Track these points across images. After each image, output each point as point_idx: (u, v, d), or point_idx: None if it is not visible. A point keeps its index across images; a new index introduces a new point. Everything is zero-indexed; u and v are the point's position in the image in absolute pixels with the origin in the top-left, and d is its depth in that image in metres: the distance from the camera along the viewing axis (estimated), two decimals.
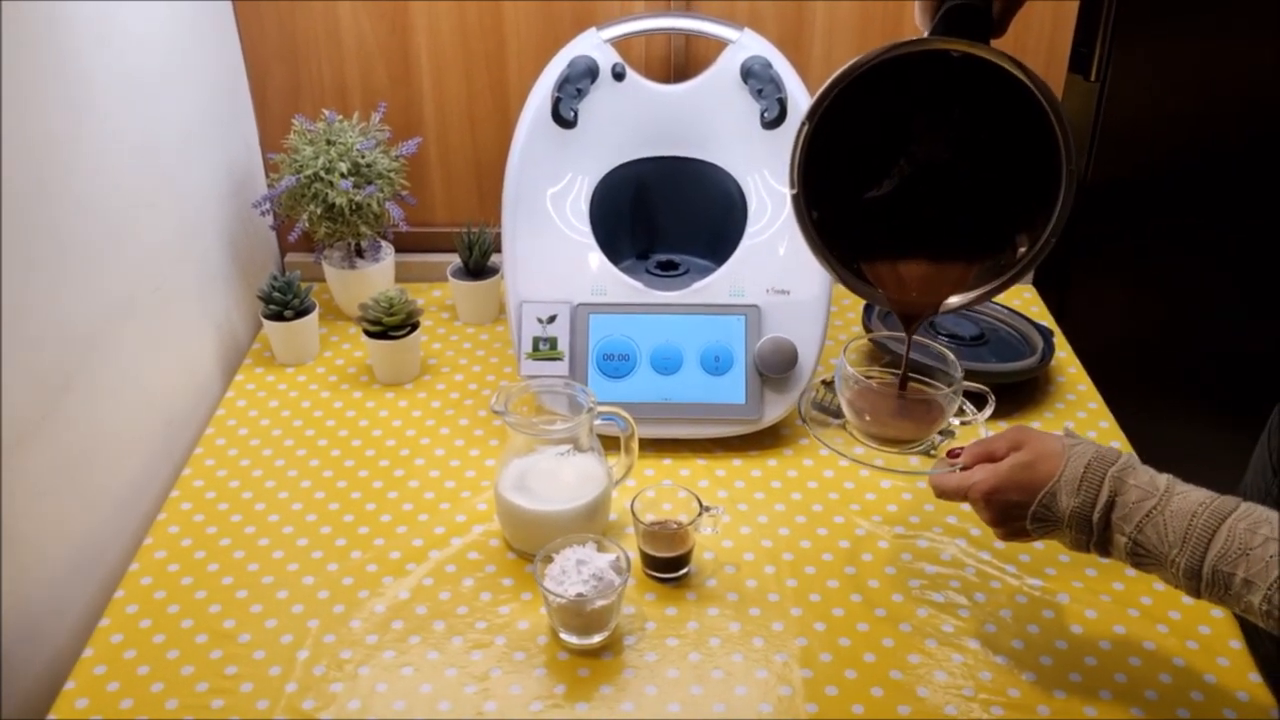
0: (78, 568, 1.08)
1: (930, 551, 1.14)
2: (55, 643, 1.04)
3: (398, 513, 1.20)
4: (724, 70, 1.31)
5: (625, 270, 1.31)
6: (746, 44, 1.31)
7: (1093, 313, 1.81)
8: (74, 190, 1.07)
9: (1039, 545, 1.14)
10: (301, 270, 1.49)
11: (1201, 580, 0.81)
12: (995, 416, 1.34)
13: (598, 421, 1.13)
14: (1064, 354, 1.45)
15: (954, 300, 0.95)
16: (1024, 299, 1.60)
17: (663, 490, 1.14)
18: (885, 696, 0.98)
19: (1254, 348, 1.84)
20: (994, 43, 0.87)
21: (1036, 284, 1.64)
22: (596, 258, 1.29)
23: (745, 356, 1.26)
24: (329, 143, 1.42)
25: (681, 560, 1.10)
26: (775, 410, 1.27)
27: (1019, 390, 1.37)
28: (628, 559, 1.04)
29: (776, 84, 1.27)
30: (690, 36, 1.49)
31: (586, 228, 1.30)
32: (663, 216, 1.39)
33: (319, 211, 1.41)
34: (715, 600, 1.08)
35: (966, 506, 0.97)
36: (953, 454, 0.98)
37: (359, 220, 1.43)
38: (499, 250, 1.35)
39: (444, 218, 1.63)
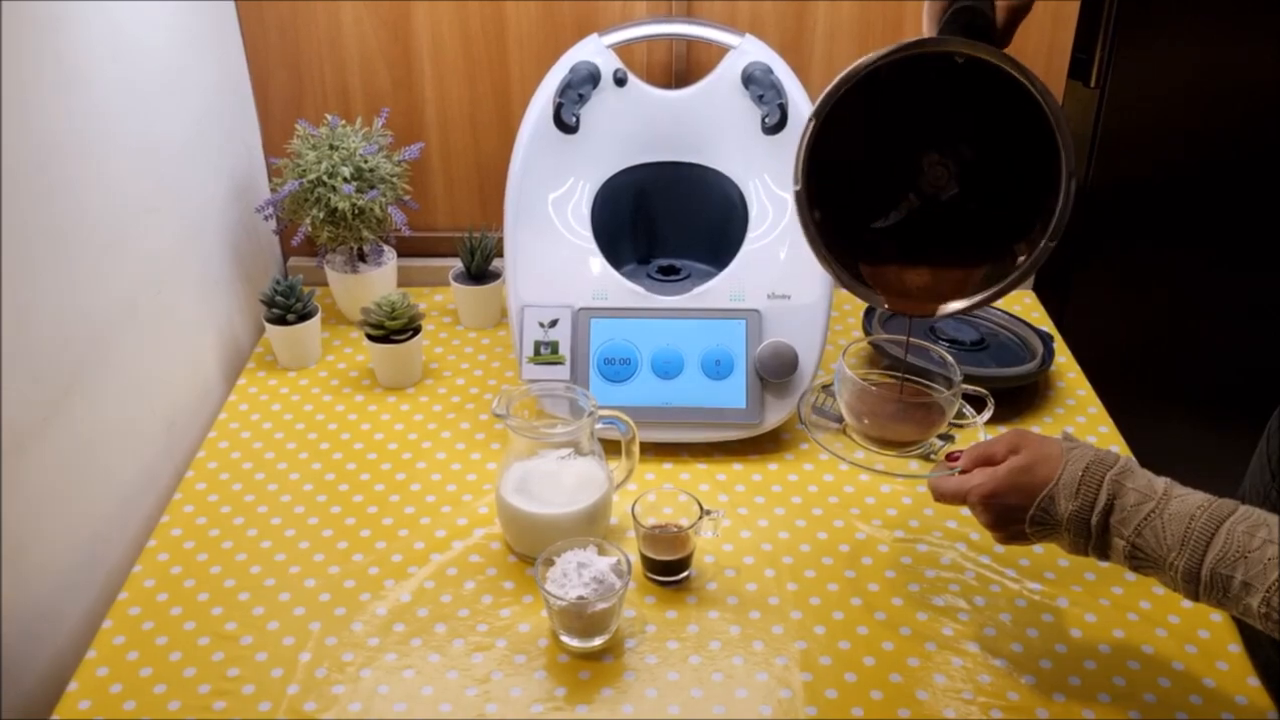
0: (80, 569, 1.09)
1: (930, 555, 1.15)
2: (58, 644, 1.04)
3: (399, 516, 1.20)
4: (725, 76, 1.31)
5: (626, 275, 1.31)
6: (747, 49, 1.32)
7: (1092, 318, 1.82)
8: (78, 194, 1.08)
9: (1038, 549, 1.14)
10: (304, 274, 1.50)
11: (1200, 583, 0.82)
12: (994, 421, 1.34)
13: (599, 425, 1.14)
14: (1064, 359, 1.45)
15: (953, 306, 0.95)
16: (1024, 304, 1.60)
17: (663, 494, 1.15)
18: (885, 699, 0.98)
19: (1253, 353, 1.84)
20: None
21: (1036, 289, 1.65)
22: (598, 262, 1.30)
23: (746, 361, 1.26)
24: (332, 147, 1.42)
25: (682, 564, 1.11)
26: (776, 415, 1.27)
27: (1019, 395, 1.38)
28: (628, 562, 1.04)
29: (777, 89, 1.28)
30: (691, 42, 1.50)
31: (588, 232, 1.31)
32: (664, 221, 1.40)
33: (321, 216, 1.42)
34: (715, 604, 1.09)
35: (965, 511, 0.97)
36: (951, 457, 0.98)
37: (361, 224, 1.44)
38: (500, 255, 1.35)
39: (446, 222, 1.64)
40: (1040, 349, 1.41)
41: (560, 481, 1.13)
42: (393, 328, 1.38)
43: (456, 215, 1.63)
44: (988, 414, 1.04)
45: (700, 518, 1.11)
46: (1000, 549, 1.15)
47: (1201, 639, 1.04)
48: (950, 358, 1.04)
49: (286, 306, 1.41)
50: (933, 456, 1.04)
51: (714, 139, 1.33)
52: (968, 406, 1.04)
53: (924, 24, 0.93)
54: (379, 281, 1.52)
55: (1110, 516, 0.85)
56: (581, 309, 1.28)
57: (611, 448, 1.17)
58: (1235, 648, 1.03)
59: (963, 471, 0.95)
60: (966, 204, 0.95)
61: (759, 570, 1.13)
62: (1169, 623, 1.06)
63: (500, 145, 1.56)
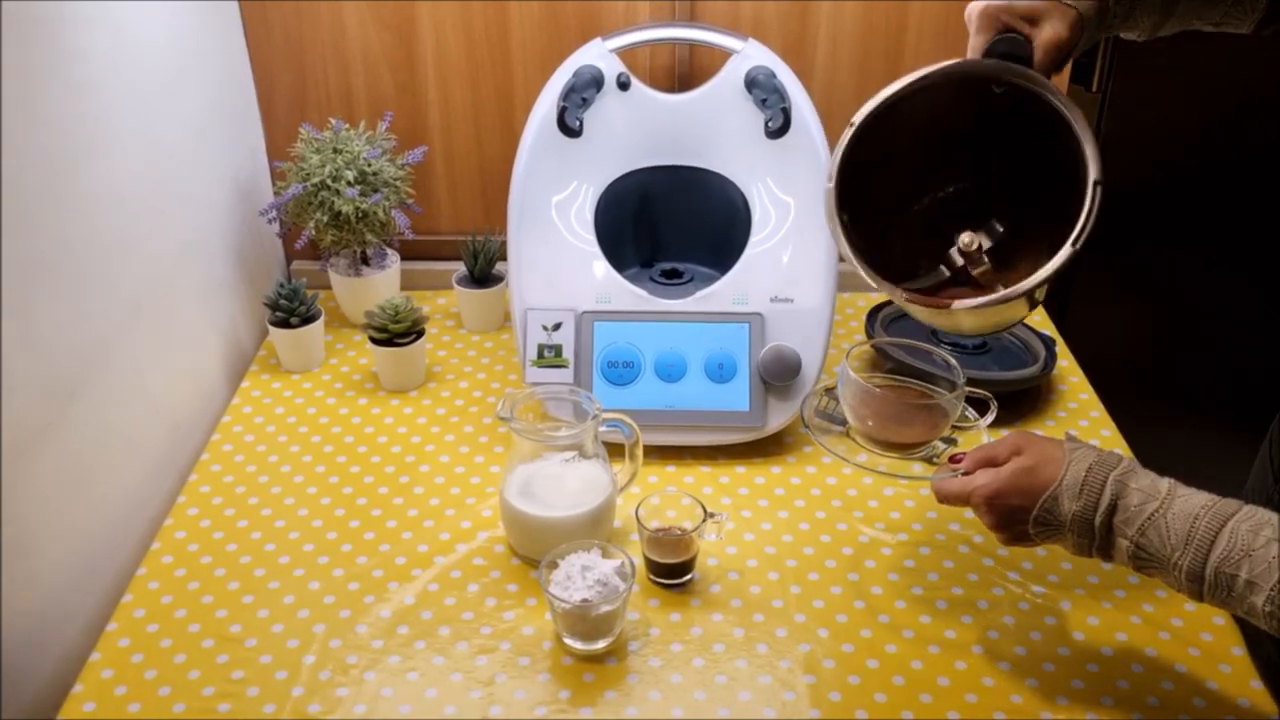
0: (85, 572, 1.09)
1: (933, 558, 1.15)
2: (63, 646, 1.04)
3: (403, 519, 1.20)
4: (728, 80, 1.32)
5: (630, 278, 1.31)
6: (750, 54, 1.32)
7: (1095, 322, 1.82)
8: (81, 197, 1.08)
9: (1041, 552, 1.15)
10: (308, 278, 1.50)
11: (1204, 582, 0.82)
12: (997, 424, 1.34)
13: (602, 428, 1.14)
14: (1066, 363, 1.46)
15: (968, 303, 0.95)
16: None
17: (667, 497, 1.15)
18: (888, 702, 0.98)
19: (1255, 357, 1.84)
20: None
21: None
22: (601, 266, 1.30)
23: (749, 364, 1.27)
24: (335, 151, 1.43)
25: (685, 566, 1.11)
26: (779, 418, 1.28)
27: (1021, 398, 1.38)
28: (632, 565, 1.04)
29: (780, 93, 1.28)
30: (694, 46, 1.50)
31: (591, 236, 1.31)
32: (667, 225, 1.40)
33: (325, 219, 1.42)
34: (719, 606, 1.09)
35: (969, 513, 0.97)
36: (955, 459, 0.98)
37: (365, 228, 1.44)
38: (504, 258, 1.36)
39: (449, 226, 1.64)
40: (1042, 352, 1.41)
41: (564, 484, 1.13)
42: (396, 331, 1.38)
43: (460, 219, 1.64)
44: (991, 416, 1.04)
45: (704, 521, 1.11)
46: (1004, 551, 1.15)
47: (1205, 642, 1.04)
48: (954, 360, 1.04)
49: (290, 309, 1.41)
50: (935, 460, 1.04)
51: (717, 143, 1.34)
52: (970, 409, 1.05)
53: (969, 54, 0.97)
54: (382, 285, 1.52)
55: (1114, 517, 0.85)
56: (585, 312, 1.28)
57: (615, 451, 1.17)
58: (1239, 650, 1.04)
59: (965, 473, 0.95)
60: (991, 197, 0.97)
61: (762, 573, 1.13)
62: (1172, 625, 1.06)
63: (503, 149, 1.56)
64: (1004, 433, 1.33)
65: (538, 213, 1.31)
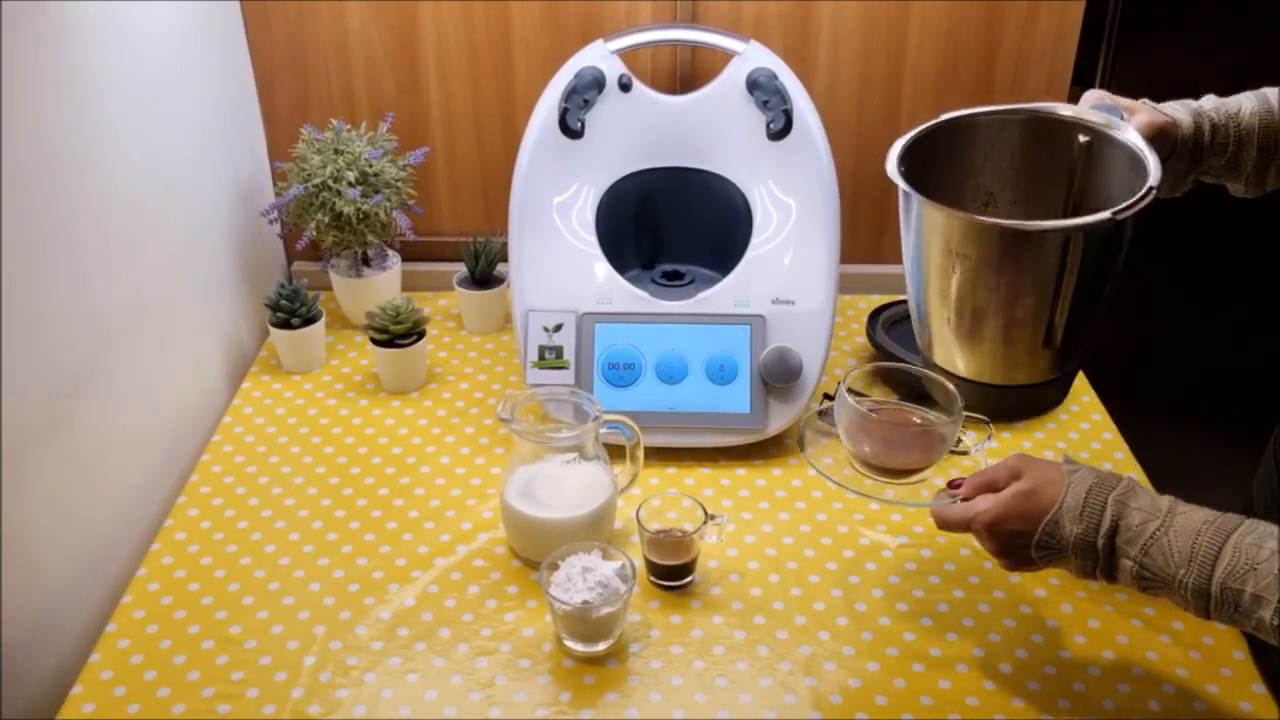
0: (85, 573, 1.09)
1: (934, 561, 1.15)
2: (62, 647, 1.04)
3: (403, 520, 1.20)
4: (730, 81, 1.32)
5: (631, 280, 1.31)
6: (752, 55, 1.32)
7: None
8: (84, 197, 1.08)
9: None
10: (308, 279, 1.50)
11: (1211, 599, 0.81)
12: (998, 425, 1.34)
13: (603, 430, 1.14)
14: None
15: (1045, 224, 1.03)
16: None
17: (667, 498, 1.15)
18: (889, 704, 0.98)
19: (1259, 364, 1.84)
20: None
21: None
22: (602, 267, 1.30)
23: (750, 366, 1.26)
24: (337, 152, 1.43)
25: (686, 568, 1.11)
26: (780, 420, 1.28)
27: (1023, 403, 1.38)
28: (633, 567, 1.04)
29: (782, 95, 1.28)
30: (696, 48, 1.50)
31: (593, 237, 1.31)
32: (668, 226, 1.40)
33: (326, 220, 1.42)
34: (720, 608, 1.09)
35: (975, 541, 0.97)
36: (954, 484, 0.97)
37: (366, 229, 1.44)
38: (505, 259, 1.35)
39: (450, 227, 1.64)
40: None
41: (564, 486, 1.13)
42: (397, 332, 1.38)
43: (461, 220, 1.63)
44: (989, 441, 1.04)
45: (704, 522, 1.11)
46: (1015, 579, 1.15)
47: (1206, 645, 1.04)
48: (951, 386, 1.03)
49: (291, 310, 1.41)
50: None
51: (719, 144, 1.34)
52: (970, 432, 1.04)
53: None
54: (383, 286, 1.52)
55: (1116, 537, 0.85)
56: (586, 314, 1.28)
57: (615, 452, 1.17)
58: (1239, 654, 1.03)
59: (965, 499, 0.94)
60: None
61: (763, 575, 1.13)
62: (1172, 629, 1.06)
63: (505, 150, 1.56)
64: (1006, 436, 1.33)
65: (539, 214, 1.31)
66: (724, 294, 1.29)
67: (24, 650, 0.98)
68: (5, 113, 0.93)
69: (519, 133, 1.34)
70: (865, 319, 1.48)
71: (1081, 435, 1.34)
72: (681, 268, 1.39)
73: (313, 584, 1.11)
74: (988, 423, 1.05)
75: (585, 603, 1.00)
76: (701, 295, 1.29)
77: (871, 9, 1.47)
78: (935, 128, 1.13)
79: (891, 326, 1.47)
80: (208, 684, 1.00)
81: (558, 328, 1.28)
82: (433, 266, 1.62)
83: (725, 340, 1.27)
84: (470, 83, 1.54)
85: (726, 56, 1.33)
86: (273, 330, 1.43)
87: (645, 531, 1.10)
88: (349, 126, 1.47)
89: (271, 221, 1.48)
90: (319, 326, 1.44)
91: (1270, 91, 1.10)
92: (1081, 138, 1.05)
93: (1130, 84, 1.69)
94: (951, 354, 1.10)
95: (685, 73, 1.53)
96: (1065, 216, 1.07)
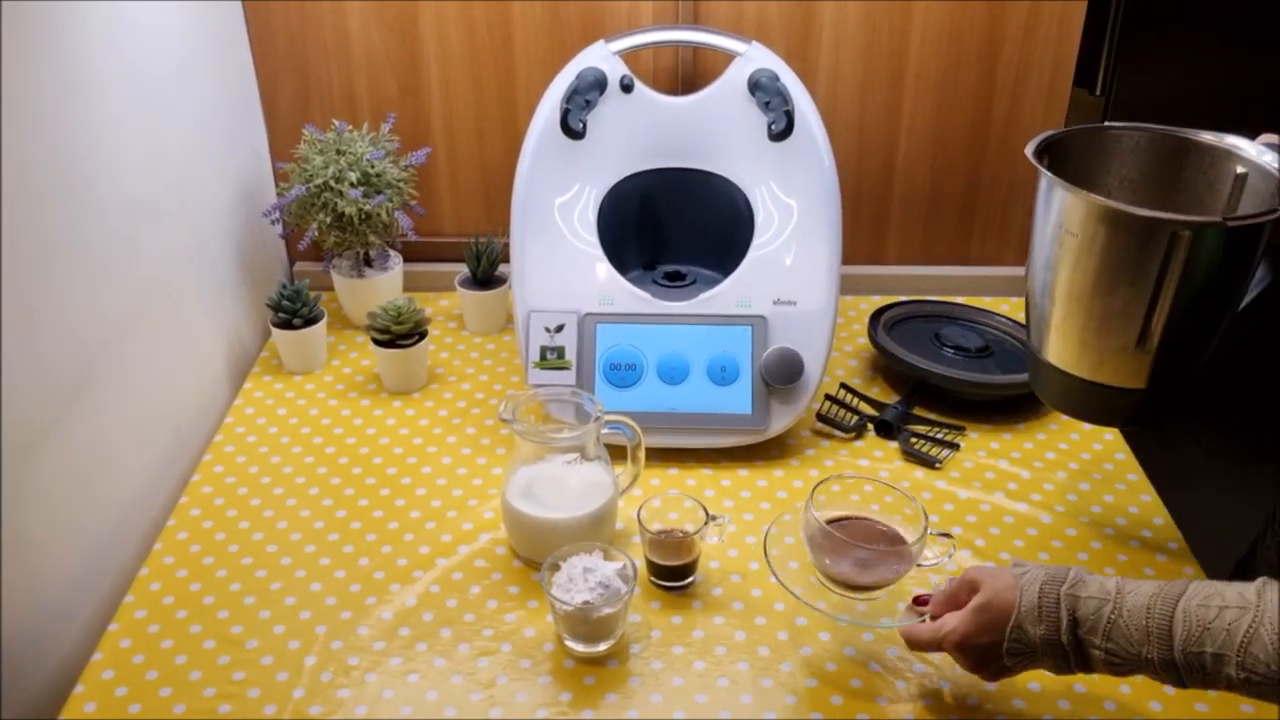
0: (87, 572, 1.09)
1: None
2: (64, 647, 1.04)
3: (405, 520, 1.20)
4: (731, 82, 1.32)
5: (632, 280, 1.31)
6: (754, 56, 1.32)
7: None
8: (86, 198, 1.08)
9: (1044, 555, 1.14)
10: (310, 279, 1.50)
11: (1179, 669, 0.81)
12: (1000, 427, 1.34)
13: (605, 430, 1.14)
14: None
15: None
16: None
17: (669, 499, 1.15)
18: (890, 705, 0.98)
19: (1261, 358, 1.84)
20: None
21: None
22: (604, 268, 1.30)
23: (751, 367, 1.26)
24: (339, 152, 1.43)
25: (687, 569, 1.11)
26: (781, 421, 1.28)
27: (1024, 403, 1.38)
28: (634, 567, 1.04)
29: (784, 96, 1.28)
30: (698, 49, 1.50)
31: (594, 238, 1.31)
32: (670, 227, 1.40)
33: (328, 220, 1.42)
34: (721, 609, 1.09)
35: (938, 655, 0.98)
36: (920, 600, 0.99)
37: (368, 229, 1.44)
38: (506, 260, 1.36)
39: (452, 228, 1.64)
40: None
41: (566, 486, 1.13)
42: (399, 332, 1.38)
43: (462, 221, 1.64)
44: (954, 552, 1.04)
45: (706, 523, 1.11)
46: (1005, 555, 1.15)
47: None
48: (918, 501, 1.04)
49: (293, 311, 1.41)
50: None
51: (720, 145, 1.34)
52: (937, 542, 1.05)
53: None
54: (385, 286, 1.52)
55: (1078, 630, 0.85)
56: (587, 314, 1.28)
57: (617, 453, 1.17)
58: None
59: (933, 617, 0.95)
60: None
61: (764, 576, 1.13)
62: None
63: (506, 151, 1.56)
64: (1007, 437, 1.33)
65: (541, 215, 1.31)
66: (725, 295, 1.29)
67: (26, 649, 0.98)
68: (8, 112, 0.93)
69: (520, 133, 1.34)
70: (866, 320, 1.48)
71: (1083, 436, 1.34)
72: (683, 268, 1.40)
73: (314, 584, 1.11)
74: (950, 536, 1.06)
75: (586, 603, 1.00)
76: (703, 296, 1.29)
77: (873, 10, 1.48)
78: (1077, 131, 1.13)
79: (893, 327, 1.47)
80: (209, 684, 1.00)
81: (559, 328, 1.28)
82: (434, 267, 1.62)
83: (726, 341, 1.27)
84: (472, 83, 1.54)
85: (728, 57, 1.33)
86: (274, 330, 1.43)
87: (646, 532, 1.10)
88: (351, 127, 1.47)
89: (273, 222, 1.48)
90: (320, 327, 1.44)
91: None
92: (1239, 169, 1.06)
93: (1132, 85, 1.69)
94: (1044, 335, 1.09)
95: (687, 73, 1.53)
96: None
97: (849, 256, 1.36)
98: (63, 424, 1.04)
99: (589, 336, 1.28)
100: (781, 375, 1.25)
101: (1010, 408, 1.37)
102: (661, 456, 1.28)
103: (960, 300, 1.58)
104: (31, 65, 0.98)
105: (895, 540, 1.04)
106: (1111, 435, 1.34)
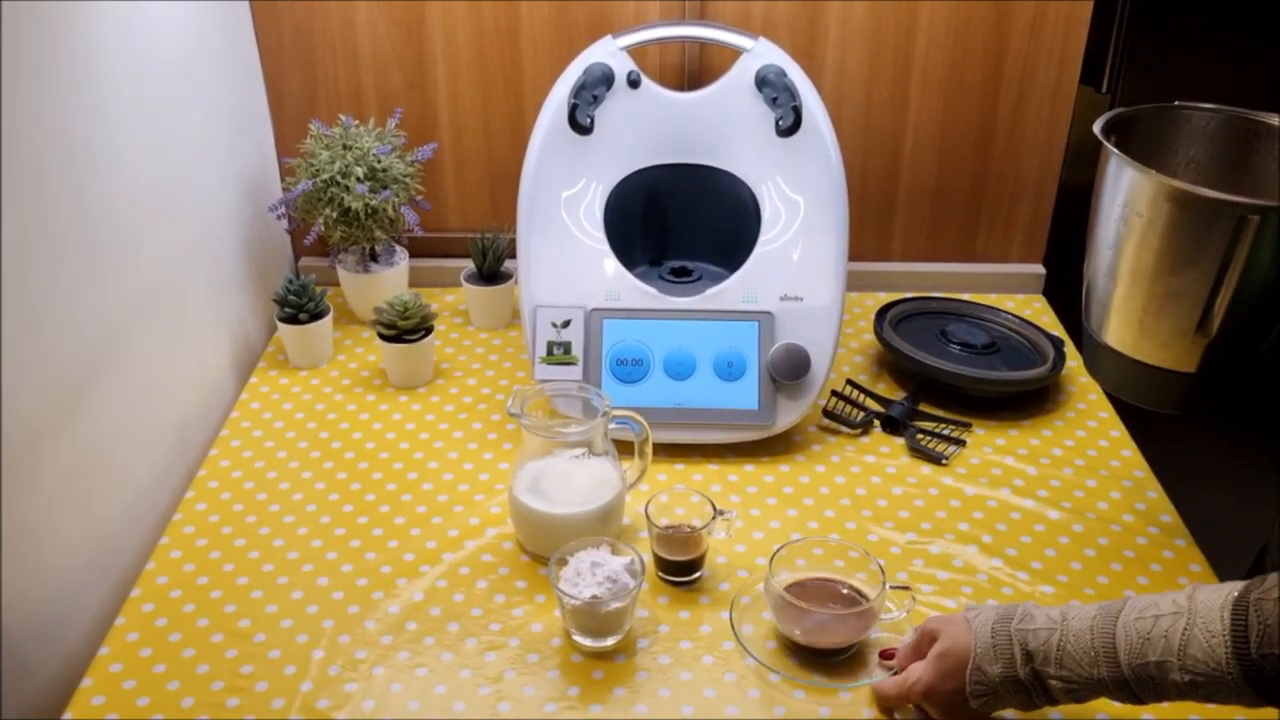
0: (94, 567, 1.09)
1: (942, 558, 1.15)
2: (72, 641, 1.04)
3: (411, 515, 1.20)
4: (738, 78, 1.32)
5: (639, 276, 1.31)
6: (761, 52, 1.32)
7: None
8: (90, 193, 1.08)
9: (1050, 552, 1.14)
10: (316, 274, 1.50)
11: (1130, 686, 0.82)
12: (1007, 424, 1.34)
13: (612, 425, 1.14)
14: (1075, 363, 1.45)
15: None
16: (1034, 309, 1.60)
17: (676, 494, 1.15)
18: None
19: (1264, 360, 1.84)
20: None
21: (1046, 294, 1.65)
22: (611, 263, 1.30)
23: (758, 362, 1.26)
24: (345, 147, 1.43)
25: (695, 564, 1.11)
26: (788, 416, 1.28)
27: (1030, 399, 1.38)
28: (642, 562, 1.04)
29: (791, 92, 1.28)
30: (705, 45, 1.50)
31: (601, 233, 1.31)
32: (677, 223, 1.40)
33: (334, 215, 1.42)
34: (729, 603, 1.09)
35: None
36: (885, 654, 1.01)
37: (374, 224, 1.44)
38: (512, 256, 1.36)
39: (458, 223, 1.64)
40: (1051, 353, 1.41)
41: (574, 481, 1.13)
42: (404, 327, 1.38)
43: (468, 216, 1.64)
44: (910, 604, 1.04)
45: (713, 518, 1.11)
46: (1013, 550, 1.15)
47: None
48: (879, 561, 1.04)
49: (299, 306, 1.41)
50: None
51: (727, 141, 1.34)
52: (899, 595, 1.05)
53: None
54: (391, 281, 1.52)
55: (1033, 663, 0.86)
56: (594, 310, 1.28)
57: (624, 448, 1.17)
58: None
59: (900, 669, 0.96)
60: None
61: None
62: None
63: (513, 146, 1.56)
64: (1013, 434, 1.33)
65: (547, 210, 1.31)
66: (732, 290, 1.29)
67: (33, 643, 0.98)
68: (14, 106, 0.93)
69: (527, 129, 1.34)
70: (873, 316, 1.48)
71: (1089, 433, 1.34)
72: (690, 264, 1.39)
73: (321, 578, 1.11)
74: (908, 588, 1.07)
75: (594, 598, 1.00)
76: (710, 292, 1.29)
77: (880, 8, 1.48)
78: (1145, 110, 1.14)
79: (899, 323, 1.47)
80: (217, 677, 1.00)
81: (566, 323, 1.28)
82: (440, 262, 1.62)
83: (733, 337, 1.27)
84: (479, 79, 1.54)
85: (735, 53, 1.33)
86: (280, 326, 1.43)
87: (654, 527, 1.10)
88: (357, 122, 1.47)
89: (279, 217, 1.48)
90: (326, 322, 1.44)
91: None
92: None
93: (1138, 82, 1.69)
94: (1104, 316, 1.08)
95: (694, 69, 1.53)
96: None
97: (855, 253, 1.36)
98: (69, 419, 1.04)
99: (596, 332, 1.28)
100: (788, 371, 1.25)
101: (1016, 404, 1.37)
102: (669, 452, 1.28)
103: (966, 297, 1.58)
104: (37, 61, 0.98)
105: (853, 601, 1.04)
106: (1119, 432, 1.34)
